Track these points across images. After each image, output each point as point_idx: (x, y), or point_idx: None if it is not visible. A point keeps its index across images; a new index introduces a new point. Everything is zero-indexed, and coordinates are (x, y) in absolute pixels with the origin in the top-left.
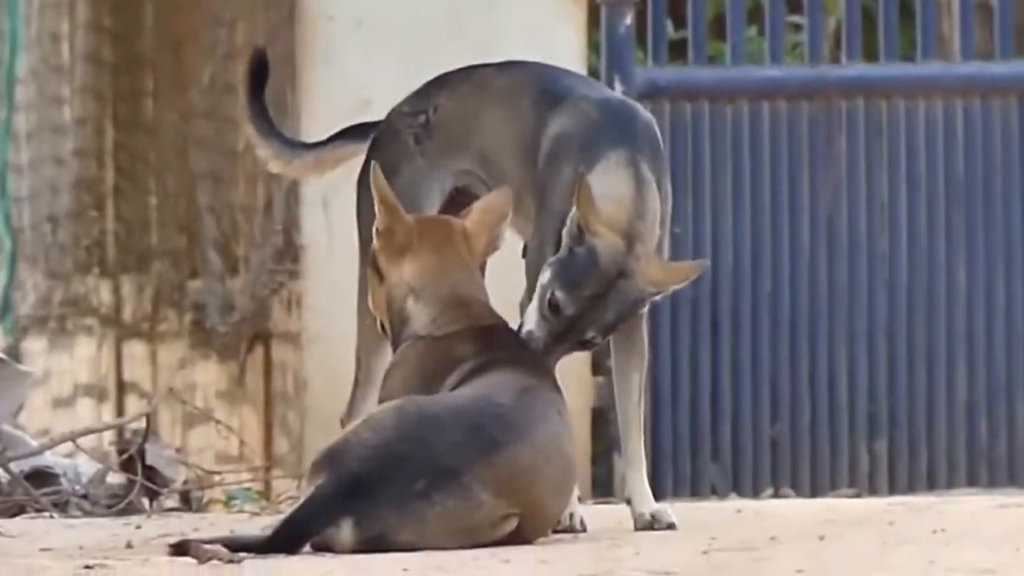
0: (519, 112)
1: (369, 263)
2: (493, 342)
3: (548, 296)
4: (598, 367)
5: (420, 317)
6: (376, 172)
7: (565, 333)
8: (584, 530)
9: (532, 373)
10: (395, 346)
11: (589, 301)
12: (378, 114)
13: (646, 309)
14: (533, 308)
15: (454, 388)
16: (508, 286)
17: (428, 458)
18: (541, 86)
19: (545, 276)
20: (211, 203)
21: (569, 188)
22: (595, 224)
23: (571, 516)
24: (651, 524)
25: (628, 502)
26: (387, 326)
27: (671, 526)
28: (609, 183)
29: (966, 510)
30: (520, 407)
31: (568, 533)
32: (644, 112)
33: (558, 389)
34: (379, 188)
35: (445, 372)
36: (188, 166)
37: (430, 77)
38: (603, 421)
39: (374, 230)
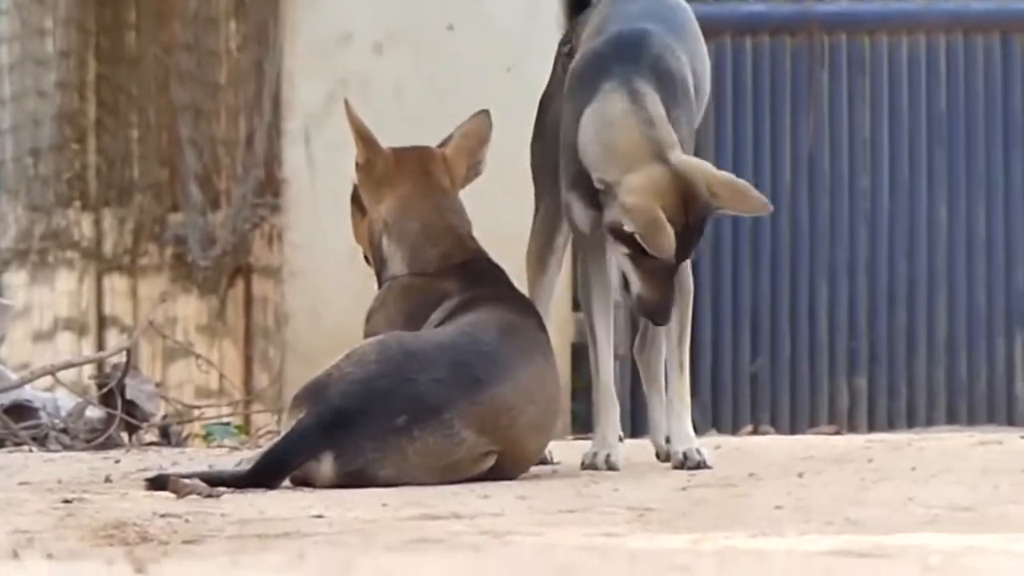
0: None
1: (351, 197)
2: (477, 278)
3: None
4: (578, 303)
5: (395, 257)
6: (349, 107)
7: (665, 270)
8: (556, 463)
9: (517, 311)
10: (379, 284)
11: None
12: (359, 48)
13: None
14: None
15: (439, 324)
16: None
17: (410, 394)
18: (602, 23)
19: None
20: (192, 136)
21: (573, 125)
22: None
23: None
24: (682, 463)
25: (667, 440)
26: (371, 261)
27: (700, 464)
28: (606, 111)
29: (945, 447)
30: (504, 346)
31: (542, 465)
32: (654, 42)
33: (543, 328)
34: (353, 122)
35: (429, 309)
36: (170, 99)
37: (413, 13)
38: (583, 357)
39: (354, 164)
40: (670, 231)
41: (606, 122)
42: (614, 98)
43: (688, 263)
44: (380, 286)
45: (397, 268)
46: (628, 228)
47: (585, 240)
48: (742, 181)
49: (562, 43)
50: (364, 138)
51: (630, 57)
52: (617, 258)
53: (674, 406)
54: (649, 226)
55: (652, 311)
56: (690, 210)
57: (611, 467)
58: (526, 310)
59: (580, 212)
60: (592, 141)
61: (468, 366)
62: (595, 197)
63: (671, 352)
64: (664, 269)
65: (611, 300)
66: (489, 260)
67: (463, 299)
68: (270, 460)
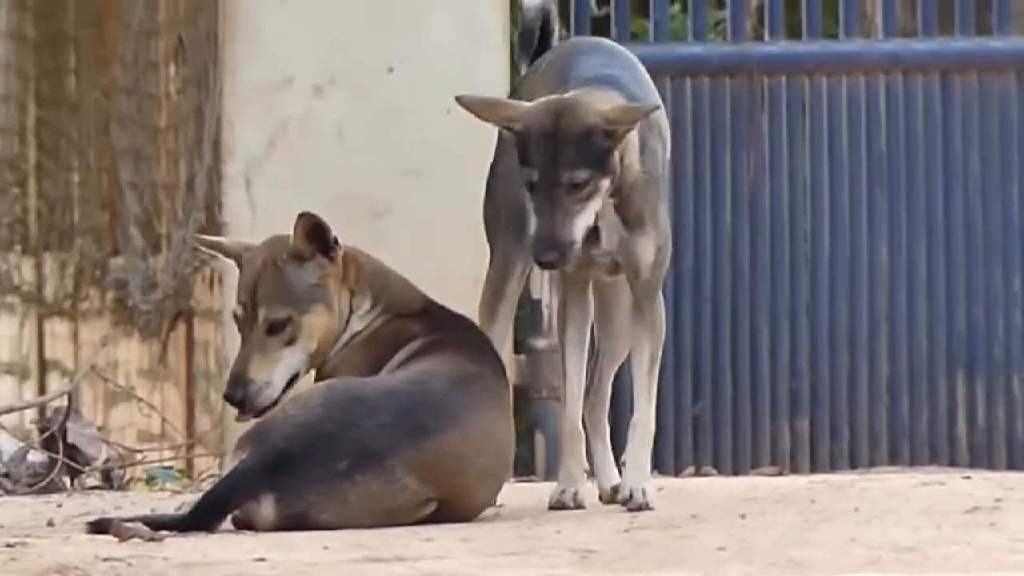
0: None
1: (304, 308)
2: (443, 322)
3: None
4: (520, 345)
5: (362, 305)
6: (307, 214)
7: (550, 190)
8: (499, 505)
9: (477, 359)
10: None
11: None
12: (299, 91)
13: (654, 259)
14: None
15: (400, 365)
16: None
17: (353, 438)
18: (563, 74)
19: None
20: (133, 180)
21: None
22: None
23: None
24: (627, 500)
25: (622, 464)
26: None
27: (642, 507)
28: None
29: (888, 488)
30: (455, 395)
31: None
32: (625, 84)
33: (502, 375)
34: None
35: (392, 351)
36: (110, 143)
37: (354, 56)
38: (524, 399)
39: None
40: (508, 103)
41: None
42: None
43: (660, 302)
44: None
45: (359, 318)
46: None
47: (566, 274)
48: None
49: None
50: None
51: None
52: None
53: (637, 432)
54: (484, 105)
55: (539, 248)
56: (560, 123)
57: (578, 505)
58: (486, 357)
59: None
60: None
61: (414, 413)
62: None
63: (641, 381)
64: (548, 199)
65: (587, 335)
66: (444, 307)
67: (427, 341)
68: (211, 500)
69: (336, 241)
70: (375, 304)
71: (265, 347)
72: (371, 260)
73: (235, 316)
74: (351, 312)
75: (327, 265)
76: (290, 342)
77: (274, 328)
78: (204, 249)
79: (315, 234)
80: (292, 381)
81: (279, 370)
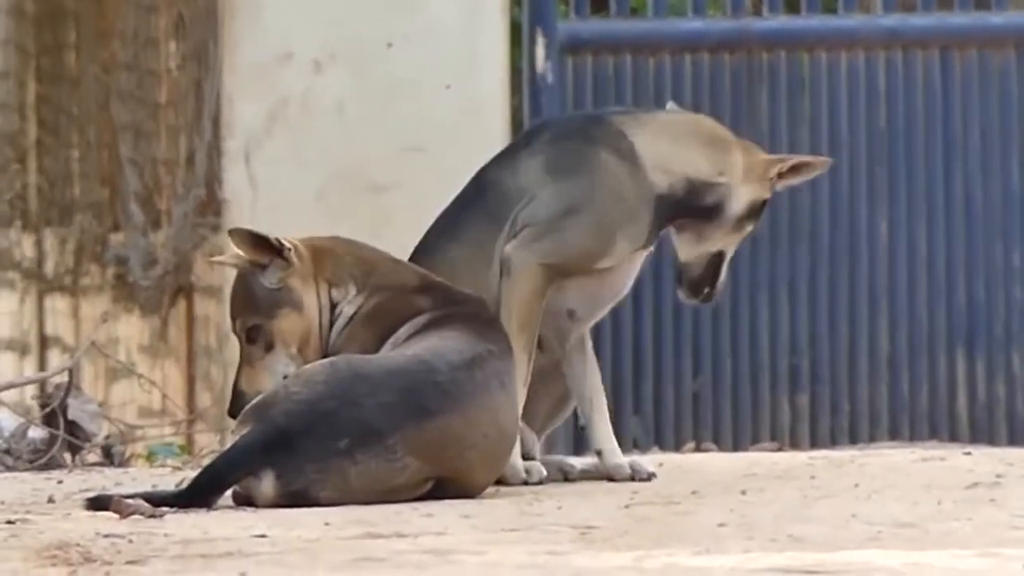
0: None
1: (271, 314)
2: (450, 297)
3: None
4: None
5: (347, 292)
6: (236, 232)
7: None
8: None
9: (485, 337)
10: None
11: None
12: (299, 67)
13: None
14: None
15: (405, 340)
16: None
17: (355, 417)
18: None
19: None
20: (133, 156)
21: None
22: None
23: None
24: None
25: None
26: (318, 350)
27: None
28: None
29: (888, 463)
30: (460, 376)
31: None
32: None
33: (508, 354)
34: (246, 240)
35: (396, 324)
36: (110, 119)
37: (354, 32)
38: None
39: (254, 271)
40: None
41: None
42: None
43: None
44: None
45: (348, 303)
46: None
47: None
48: None
49: None
50: (262, 244)
51: None
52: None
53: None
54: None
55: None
56: None
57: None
58: (495, 335)
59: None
60: None
61: (417, 393)
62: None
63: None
64: None
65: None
66: (450, 285)
67: (434, 316)
68: (210, 475)
69: (280, 242)
70: (362, 289)
71: (251, 357)
72: (353, 249)
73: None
74: (333, 304)
75: (285, 267)
76: (269, 348)
77: (251, 337)
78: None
79: (257, 243)
80: None
81: (267, 378)
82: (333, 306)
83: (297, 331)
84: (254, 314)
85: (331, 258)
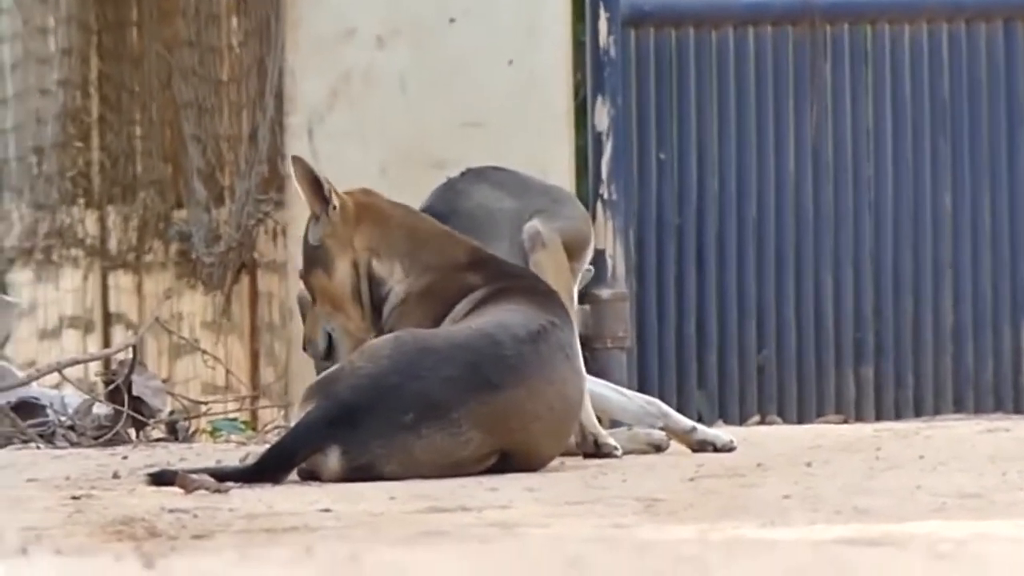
0: None
1: (303, 279)
2: (502, 271)
3: None
4: (584, 296)
5: (393, 273)
6: (299, 161)
7: None
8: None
9: (546, 309)
10: (378, 327)
11: None
12: (362, 42)
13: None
14: None
15: (464, 316)
16: None
17: (419, 391)
18: None
19: None
20: (196, 133)
21: None
22: None
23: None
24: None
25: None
26: (353, 316)
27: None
28: None
29: (953, 435)
30: (525, 350)
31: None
32: None
33: (570, 324)
34: (305, 175)
35: (452, 303)
36: (172, 96)
37: (416, 7)
38: (588, 349)
39: (312, 220)
40: None
41: None
42: None
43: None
44: (378, 330)
45: (398, 282)
46: None
47: None
48: None
49: None
50: (323, 187)
51: None
52: None
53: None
54: None
55: None
56: None
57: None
58: (555, 307)
59: None
60: None
61: (482, 368)
62: None
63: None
64: None
65: None
66: (500, 258)
67: (491, 291)
68: (277, 452)
69: (329, 194)
70: (411, 268)
71: (314, 307)
72: (409, 220)
73: None
74: (375, 277)
75: (327, 224)
76: (315, 301)
77: (307, 287)
78: None
79: (314, 183)
80: (329, 338)
81: (319, 326)
82: (374, 280)
83: (327, 294)
84: (303, 266)
85: (381, 226)
